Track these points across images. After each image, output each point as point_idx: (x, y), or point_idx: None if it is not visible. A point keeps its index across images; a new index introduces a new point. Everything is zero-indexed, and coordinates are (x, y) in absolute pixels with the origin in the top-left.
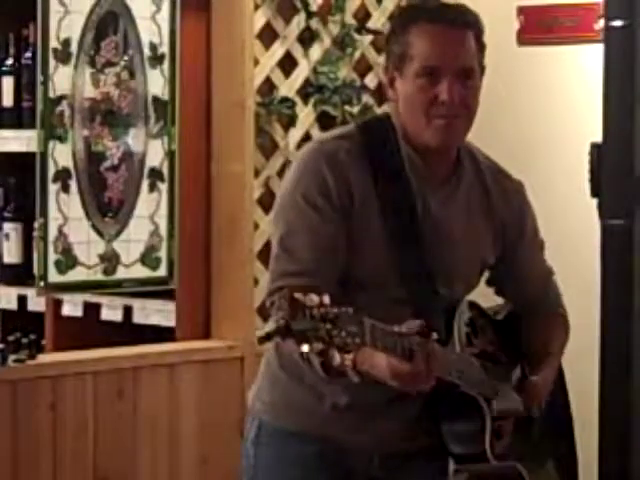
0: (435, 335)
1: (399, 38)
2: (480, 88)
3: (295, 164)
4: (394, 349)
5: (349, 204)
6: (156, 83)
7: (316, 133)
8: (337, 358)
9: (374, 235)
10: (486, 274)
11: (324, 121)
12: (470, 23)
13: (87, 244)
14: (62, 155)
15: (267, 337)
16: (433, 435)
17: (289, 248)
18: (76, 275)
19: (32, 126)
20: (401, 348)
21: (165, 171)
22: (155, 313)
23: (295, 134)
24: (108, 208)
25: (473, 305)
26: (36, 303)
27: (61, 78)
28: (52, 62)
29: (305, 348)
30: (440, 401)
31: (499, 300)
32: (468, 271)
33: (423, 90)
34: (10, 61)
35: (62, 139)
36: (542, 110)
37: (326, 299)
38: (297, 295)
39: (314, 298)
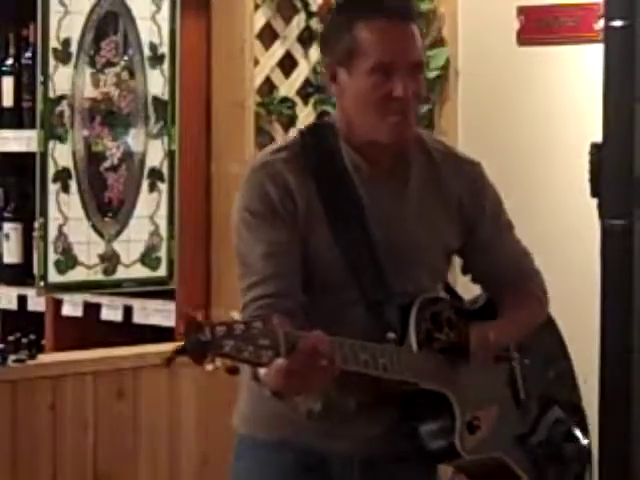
0: (390, 335)
1: (344, 33)
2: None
3: (241, 184)
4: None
5: (294, 211)
6: (156, 83)
7: None
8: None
9: (322, 239)
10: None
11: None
12: (415, 15)
13: (87, 244)
14: (62, 155)
15: (170, 359)
16: (411, 437)
17: (246, 262)
18: (76, 275)
19: (32, 126)
20: (285, 346)
21: (165, 171)
22: (155, 313)
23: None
24: (108, 208)
25: (437, 298)
26: (36, 303)
27: (61, 78)
28: (52, 62)
29: (209, 367)
30: (414, 401)
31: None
32: (430, 260)
33: (376, 87)
34: (10, 61)
35: (62, 139)
36: (542, 110)
37: (234, 316)
38: (198, 315)
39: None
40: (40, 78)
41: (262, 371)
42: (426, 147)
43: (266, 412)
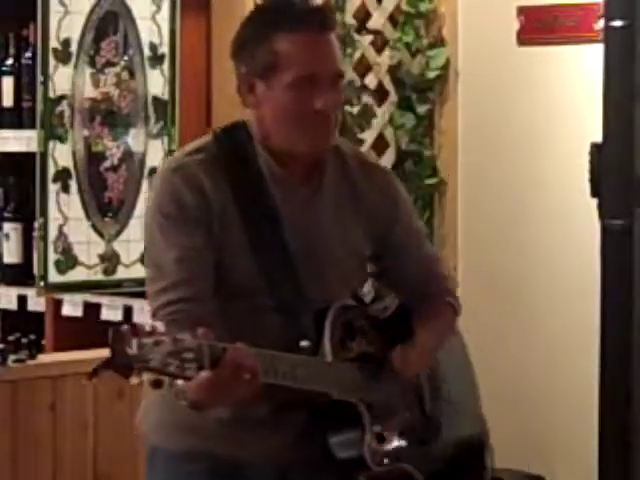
0: (304, 343)
1: (261, 46)
2: None
3: (154, 184)
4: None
5: (208, 215)
6: (156, 83)
7: None
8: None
9: (237, 244)
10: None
11: None
12: (333, 25)
13: (87, 244)
14: (62, 155)
15: (93, 373)
16: (322, 447)
17: (158, 265)
18: (76, 275)
19: (32, 126)
20: (209, 359)
21: None
22: None
23: None
24: (108, 208)
25: (351, 306)
26: (36, 303)
27: (61, 78)
28: (52, 62)
29: (134, 380)
30: (325, 410)
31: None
32: (343, 267)
33: (297, 100)
34: (10, 61)
35: (62, 139)
36: (542, 110)
37: (159, 327)
38: (123, 328)
39: (144, 328)
40: (40, 78)
41: (179, 382)
42: (341, 154)
43: (175, 421)
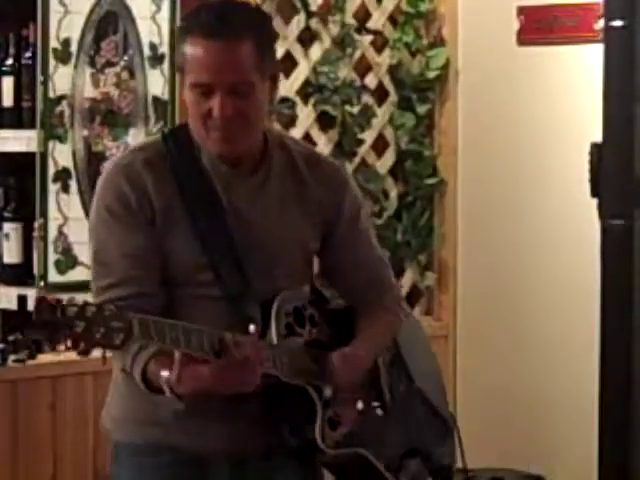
0: (252, 327)
1: (179, 46)
2: (264, 94)
3: (99, 182)
4: (201, 347)
5: (150, 211)
6: (156, 83)
7: (316, 133)
8: (164, 377)
9: (183, 238)
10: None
11: (324, 121)
12: (246, 32)
13: (87, 244)
14: (62, 155)
15: (17, 342)
16: (276, 433)
17: (104, 262)
18: (76, 275)
19: (32, 126)
20: (209, 344)
21: None
22: None
23: (295, 134)
24: None
25: (299, 295)
26: None
27: (61, 78)
28: (52, 62)
29: (61, 347)
30: (278, 396)
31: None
32: (287, 259)
33: (198, 104)
34: (10, 61)
35: (62, 139)
36: (542, 110)
37: (86, 299)
38: (49, 297)
39: (69, 299)
40: (40, 78)
41: (165, 375)
42: (289, 151)
43: (135, 415)
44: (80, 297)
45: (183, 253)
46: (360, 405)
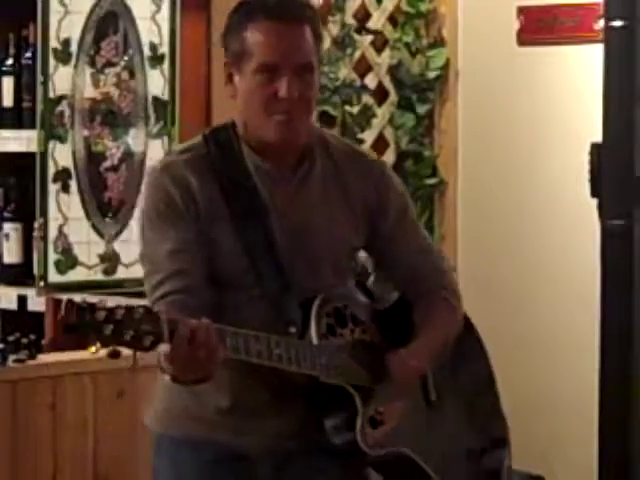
0: (292, 329)
1: (236, 34)
2: (318, 82)
3: (144, 184)
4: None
5: (195, 209)
6: (156, 83)
7: None
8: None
9: (225, 238)
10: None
11: (324, 121)
12: (306, 17)
13: (87, 244)
14: (62, 155)
15: (54, 341)
16: (319, 431)
17: (152, 260)
18: (76, 275)
19: (32, 126)
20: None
21: None
22: None
23: None
24: (108, 208)
25: (341, 294)
26: (36, 303)
27: (61, 78)
28: (52, 62)
29: (92, 349)
30: (319, 395)
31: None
32: (330, 257)
33: (261, 87)
34: (10, 61)
35: (62, 139)
36: (542, 110)
37: (119, 303)
38: (79, 299)
39: (99, 302)
40: (40, 78)
41: (162, 358)
42: (329, 147)
43: (178, 410)
44: (79, 297)
45: (225, 253)
46: (403, 402)
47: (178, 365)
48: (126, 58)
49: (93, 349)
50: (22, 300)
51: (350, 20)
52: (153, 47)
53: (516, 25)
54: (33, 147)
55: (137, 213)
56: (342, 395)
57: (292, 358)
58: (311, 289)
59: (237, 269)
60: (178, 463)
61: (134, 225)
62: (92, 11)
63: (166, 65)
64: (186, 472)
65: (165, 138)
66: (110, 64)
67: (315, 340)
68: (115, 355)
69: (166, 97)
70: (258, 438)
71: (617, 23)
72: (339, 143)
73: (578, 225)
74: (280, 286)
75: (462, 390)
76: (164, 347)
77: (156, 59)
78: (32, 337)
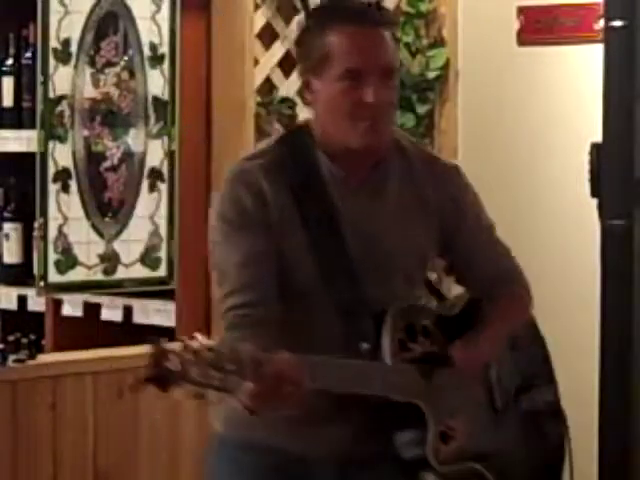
0: (364, 345)
1: (316, 40)
2: (398, 85)
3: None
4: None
5: (268, 220)
6: (156, 83)
7: None
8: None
9: (297, 248)
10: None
11: None
12: (387, 22)
13: (87, 244)
14: (62, 155)
15: (134, 387)
16: (386, 445)
17: (222, 270)
18: (76, 275)
19: (32, 126)
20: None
21: (165, 171)
22: (155, 313)
23: None
24: (108, 208)
25: (413, 306)
26: (36, 303)
27: (61, 78)
28: (52, 62)
29: (177, 394)
30: (389, 409)
31: None
32: (406, 267)
33: (346, 93)
34: (10, 61)
35: (62, 139)
36: (542, 110)
37: (204, 341)
38: (163, 342)
39: (190, 342)
40: (40, 78)
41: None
42: (405, 153)
43: (244, 413)
44: (81, 297)
45: (296, 263)
46: (472, 415)
47: (261, 401)
48: (126, 58)
49: (177, 393)
50: (22, 300)
51: None
52: (153, 47)
53: (516, 25)
54: (33, 147)
55: (138, 211)
56: (412, 411)
57: (367, 382)
58: (382, 301)
59: (308, 280)
60: (238, 465)
61: (134, 225)
62: (92, 11)
63: (166, 65)
64: (247, 475)
65: (165, 138)
66: (110, 64)
67: (388, 360)
68: (199, 396)
69: (166, 97)
70: (322, 444)
71: (617, 23)
72: (414, 148)
73: (578, 225)
74: (353, 298)
75: (523, 380)
76: (247, 386)
77: (156, 59)
78: (32, 337)
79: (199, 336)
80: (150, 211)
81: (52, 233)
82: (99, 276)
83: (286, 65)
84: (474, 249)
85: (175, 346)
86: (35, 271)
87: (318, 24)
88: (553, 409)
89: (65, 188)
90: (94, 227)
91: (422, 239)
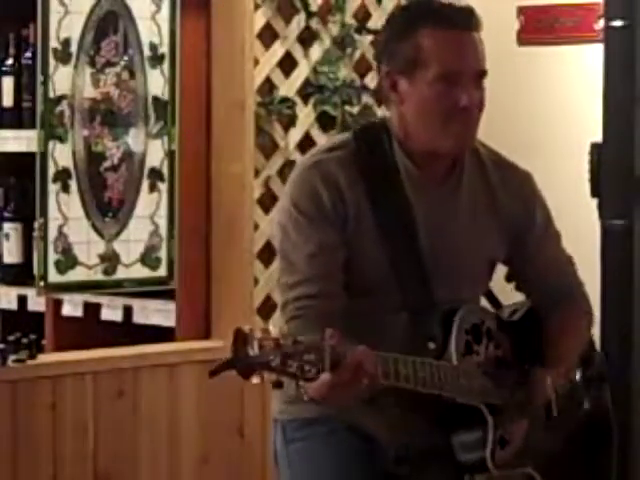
0: (431, 345)
1: (405, 42)
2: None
3: (291, 180)
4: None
5: (344, 214)
6: (156, 83)
7: (316, 133)
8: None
9: (369, 243)
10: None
11: (324, 121)
12: (476, 24)
13: (87, 244)
14: (62, 155)
15: (214, 372)
16: (445, 445)
17: (292, 260)
18: (76, 275)
19: (32, 126)
20: (330, 362)
21: (165, 171)
22: (155, 313)
23: (295, 134)
24: (108, 208)
25: (478, 308)
26: (36, 303)
27: (61, 78)
28: (52, 62)
29: (255, 380)
30: (450, 410)
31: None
32: (474, 272)
33: (442, 96)
34: (10, 61)
35: (62, 139)
36: (542, 110)
37: (270, 328)
38: (246, 328)
39: (268, 330)
40: (40, 78)
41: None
42: (480, 156)
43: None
44: (81, 297)
45: (367, 260)
46: (528, 421)
47: (336, 393)
48: (126, 58)
49: (256, 380)
50: (22, 300)
51: (350, 20)
52: (153, 47)
53: (516, 25)
54: (33, 147)
55: (138, 211)
56: (473, 413)
57: (435, 382)
58: (449, 301)
59: (379, 277)
60: (308, 437)
61: (134, 225)
62: (92, 11)
63: (166, 65)
64: (316, 443)
65: (165, 138)
66: (110, 64)
67: (455, 360)
68: (279, 385)
69: (166, 97)
70: (387, 427)
71: (617, 23)
72: (488, 152)
73: (578, 225)
74: (422, 298)
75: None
76: (325, 376)
77: (156, 59)
78: (32, 337)
79: (271, 327)
80: (150, 211)
81: (52, 233)
82: (99, 276)
83: (286, 65)
84: (539, 258)
85: (255, 333)
86: (35, 271)
87: (408, 25)
88: (603, 414)
89: (65, 188)
90: (94, 227)
91: (493, 243)
